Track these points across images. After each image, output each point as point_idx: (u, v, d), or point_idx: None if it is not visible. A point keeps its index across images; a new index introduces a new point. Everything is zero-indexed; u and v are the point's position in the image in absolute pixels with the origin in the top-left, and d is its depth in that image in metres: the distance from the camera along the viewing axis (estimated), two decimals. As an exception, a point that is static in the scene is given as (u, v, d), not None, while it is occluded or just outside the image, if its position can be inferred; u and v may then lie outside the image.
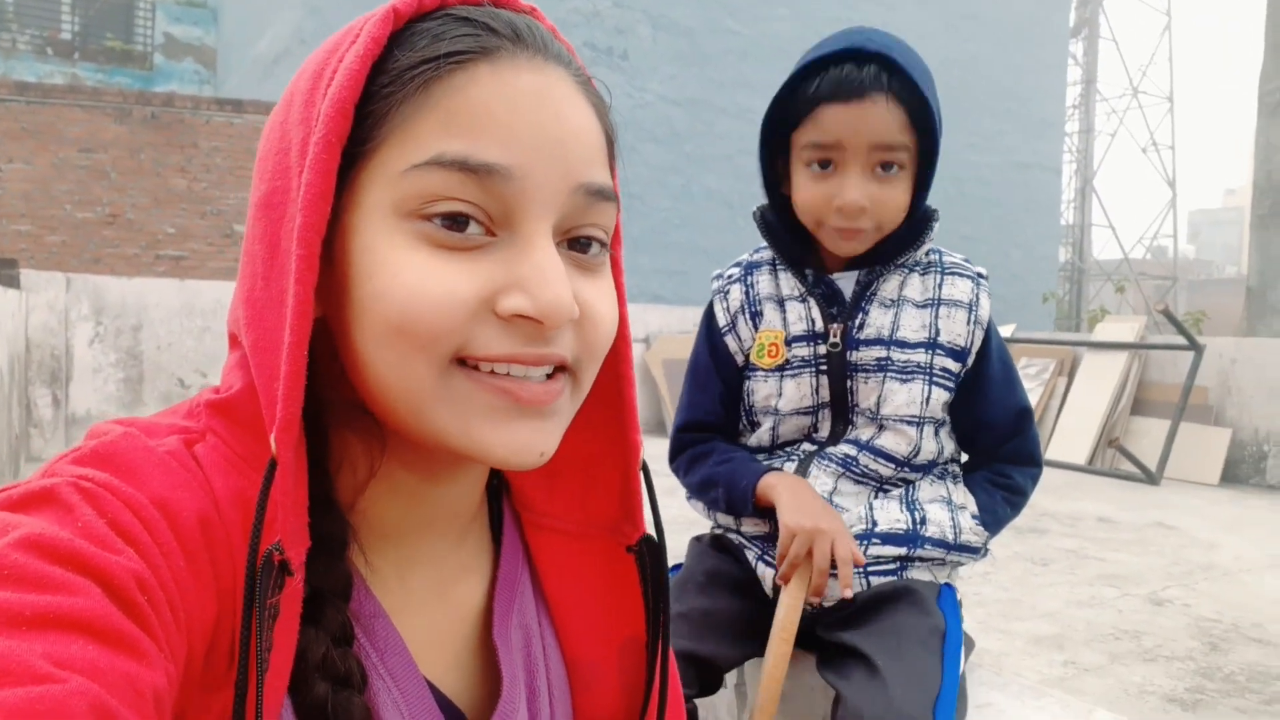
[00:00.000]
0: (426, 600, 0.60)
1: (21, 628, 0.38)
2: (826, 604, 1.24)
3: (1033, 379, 7.70)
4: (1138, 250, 25.05)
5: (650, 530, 0.65)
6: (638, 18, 11.53)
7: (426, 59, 0.49)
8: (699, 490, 1.37)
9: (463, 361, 0.50)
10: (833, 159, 1.22)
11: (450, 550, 0.62)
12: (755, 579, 1.31)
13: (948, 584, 1.27)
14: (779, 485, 1.24)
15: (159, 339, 5.64)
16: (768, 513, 1.27)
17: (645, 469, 0.63)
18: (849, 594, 1.18)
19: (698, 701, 1.23)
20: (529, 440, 0.51)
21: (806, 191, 1.25)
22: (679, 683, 0.75)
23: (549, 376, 0.52)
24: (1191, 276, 33.07)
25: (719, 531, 1.40)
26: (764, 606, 1.29)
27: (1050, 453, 7.13)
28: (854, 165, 1.21)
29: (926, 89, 1.21)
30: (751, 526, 1.33)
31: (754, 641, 1.27)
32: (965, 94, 13.63)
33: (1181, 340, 6.50)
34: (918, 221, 1.29)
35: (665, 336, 7.60)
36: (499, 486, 0.68)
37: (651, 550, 0.64)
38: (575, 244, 0.53)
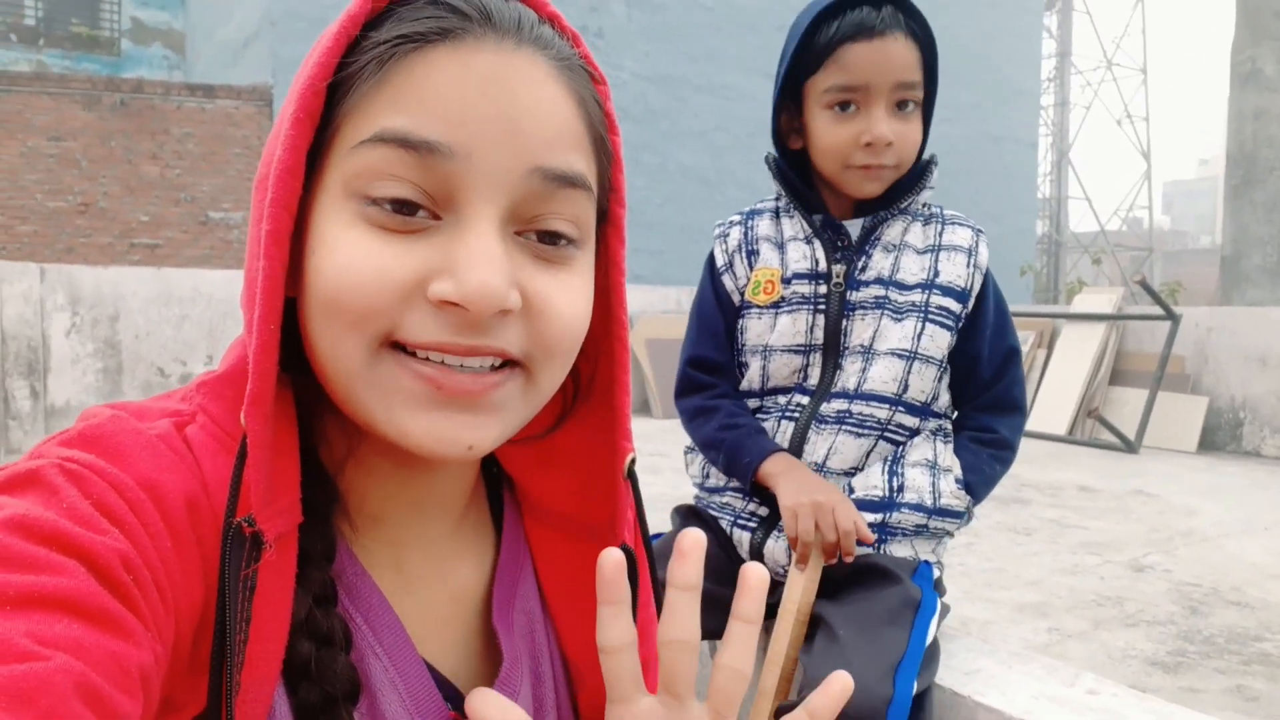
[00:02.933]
0: (423, 583, 0.59)
1: (5, 607, 0.38)
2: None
3: (1012, 351, 7.75)
4: (1114, 222, 25.24)
5: (632, 538, 0.63)
6: (612, -5, 11.44)
7: (387, 39, 0.48)
8: (702, 447, 1.40)
9: (398, 347, 0.49)
10: (854, 100, 1.26)
11: (445, 534, 0.61)
12: (730, 554, 1.33)
13: (926, 561, 1.28)
14: (778, 473, 1.26)
15: (137, 328, 5.58)
16: (765, 493, 1.28)
17: (632, 476, 0.61)
18: (850, 559, 1.20)
19: None
20: (454, 433, 0.50)
21: (830, 134, 1.28)
22: None
23: (495, 369, 0.50)
24: (1167, 247, 33.36)
25: (698, 504, 1.42)
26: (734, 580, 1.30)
27: (1031, 424, 7.20)
28: (878, 103, 1.25)
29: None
30: (730, 498, 1.35)
31: (715, 619, 1.29)
32: (939, 65, 13.65)
33: (1158, 310, 6.57)
34: (919, 166, 1.34)
35: (647, 317, 7.60)
36: (499, 474, 0.67)
37: (630, 562, 0.61)
38: (543, 237, 0.51)
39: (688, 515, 1.43)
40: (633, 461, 0.60)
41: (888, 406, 1.29)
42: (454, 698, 0.58)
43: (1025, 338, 7.71)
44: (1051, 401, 7.07)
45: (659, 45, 11.53)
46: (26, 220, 10.28)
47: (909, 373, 1.29)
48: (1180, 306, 7.00)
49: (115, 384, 5.56)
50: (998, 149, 14.81)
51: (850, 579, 1.23)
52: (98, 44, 13.46)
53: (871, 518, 1.26)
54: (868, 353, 1.30)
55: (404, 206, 0.48)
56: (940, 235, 1.35)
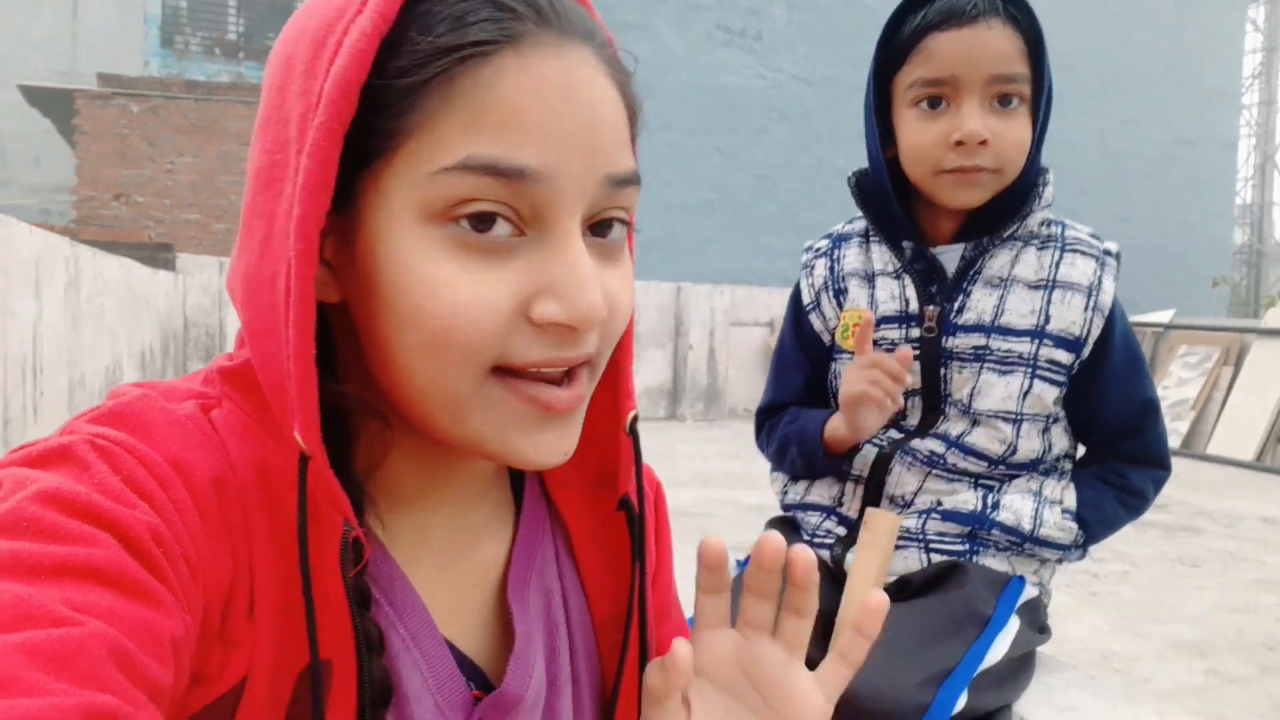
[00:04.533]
0: (446, 560, 0.59)
1: (41, 576, 0.39)
2: (890, 578, 1.17)
3: (1193, 368, 7.15)
4: (1327, 231, 22.87)
5: (634, 491, 0.63)
6: (773, -3, 11.33)
7: (448, 48, 0.46)
8: (777, 458, 1.31)
9: (499, 369, 0.50)
10: (944, 95, 1.12)
11: (469, 509, 0.61)
12: (824, 571, 1.25)
13: (1020, 577, 1.16)
14: (839, 422, 1.18)
15: (302, 319, 5.96)
16: (843, 458, 1.21)
17: (634, 432, 0.62)
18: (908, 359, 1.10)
19: None
20: (557, 444, 0.52)
21: (916, 134, 1.14)
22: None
23: (569, 374, 0.52)
24: (1391, 260, 29.95)
25: (788, 514, 1.34)
26: (831, 604, 1.22)
27: (1211, 447, 6.61)
28: (971, 97, 1.10)
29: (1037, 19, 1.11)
30: (806, 514, 1.26)
31: (820, 636, 1.22)
32: (1123, 66, 12.77)
33: (1368, 327, 5.89)
34: (1029, 183, 1.17)
35: (793, 320, 7.47)
36: None
37: (629, 512, 0.63)
38: (597, 226, 0.52)
39: (781, 525, 1.36)
40: (634, 418, 0.61)
41: (988, 464, 1.17)
42: (475, 675, 0.58)
43: (1208, 354, 7.08)
44: (1237, 424, 6.46)
45: (819, 47, 11.34)
46: (220, 219, 11.17)
47: (1018, 436, 1.16)
48: (1397, 324, 6.25)
49: (282, 371, 5.96)
50: (1191, 152, 13.72)
51: (928, 586, 1.14)
52: (290, 56, 14.48)
53: (959, 528, 1.15)
54: (969, 410, 1.17)
55: (484, 221, 0.47)
56: (1056, 267, 1.17)
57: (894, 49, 1.16)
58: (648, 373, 8.56)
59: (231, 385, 0.54)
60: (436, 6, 0.47)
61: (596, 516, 0.65)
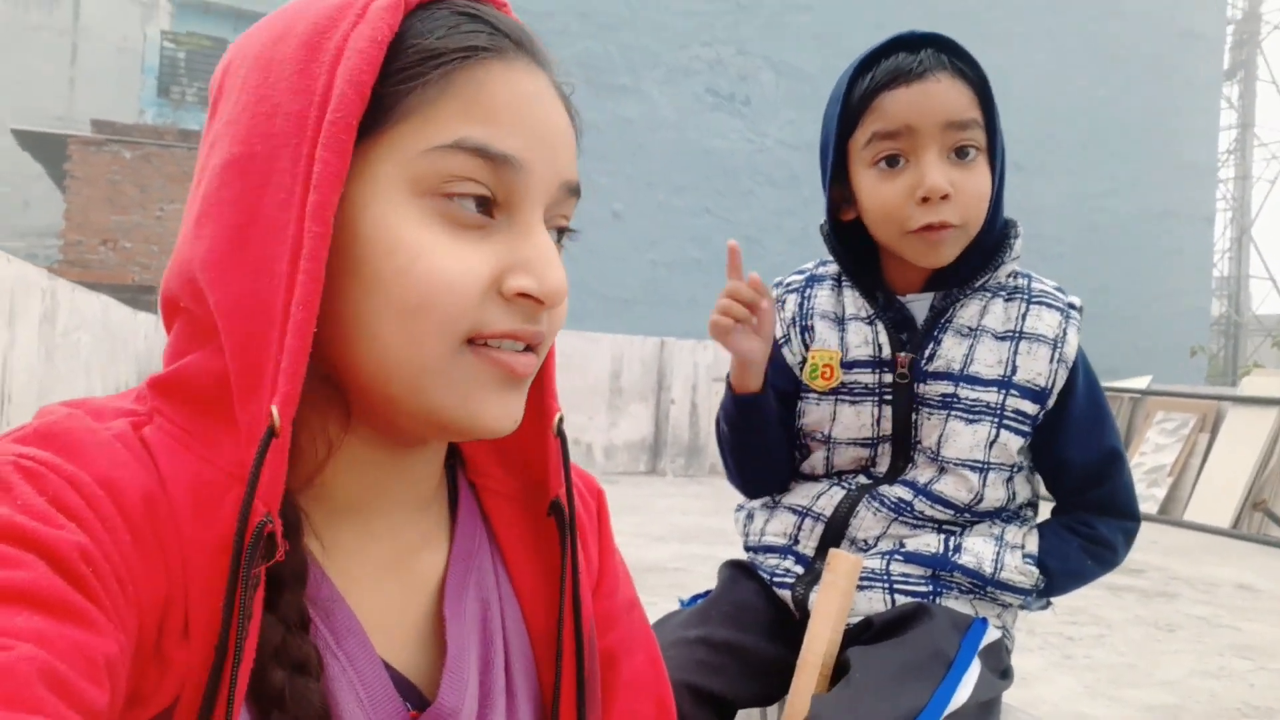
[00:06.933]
0: (384, 574, 0.59)
1: None
2: (854, 619, 1.16)
3: (1170, 434, 7.20)
4: (1302, 305, 23.21)
5: (563, 493, 0.65)
6: (759, 64, 11.58)
7: (447, 49, 0.52)
8: (725, 459, 1.32)
9: (470, 341, 0.53)
10: (901, 152, 1.12)
11: (409, 522, 0.61)
12: (784, 614, 1.24)
13: (983, 619, 1.16)
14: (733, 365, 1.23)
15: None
16: (754, 398, 1.22)
17: (561, 434, 0.64)
18: (767, 304, 1.17)
19: None
20: (513, 409, 0.56)
21: (879, 194, 1.14)
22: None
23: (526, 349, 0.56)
24: (1366, 334, 30.37)
25: (747, 557, 1.34)
26: (793, 647, 1.22)
27: (1188, 514, 6.63)
28: (929, 149, 1.11)
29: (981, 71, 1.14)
30: (767, 557, 1.27)
31: (777, 681, 1.20)
32: (1103, 138, 13.07)
33: (1340, 397, 5.97)
34: (996, 235, 1.19)
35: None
36: (454, 462, 0.68)
37: (559, 511, 0.64)
38: (550, 232, 0.58)
39: (735, 569, 1.35)
40: (560, 420, 0.64)
41: (954, 513, 1.18)
42: (411, 694, 0.58)
43: (1185, 420, 7.13)
44: (1213, 490, 6.49)
45: (804, 113, 11.56)
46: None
47: (984, 485, 1.17)
48: (1369, 395, 6.33)
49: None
50: (1168, 225, 13.99)
51: (892, 626, 1.13)
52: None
53: (921, 570, 1.16)
54: (937, 457, 1.18)
55: (481, 204, 0.53)
56: (1023, 319, 1.18)
57: (847, 115, 1.17)
58: (629, 427, 8.54)
59: (163, 398, 0.53)
60: (430, 14, 0.53)
61: (527, 524, 0.66)
